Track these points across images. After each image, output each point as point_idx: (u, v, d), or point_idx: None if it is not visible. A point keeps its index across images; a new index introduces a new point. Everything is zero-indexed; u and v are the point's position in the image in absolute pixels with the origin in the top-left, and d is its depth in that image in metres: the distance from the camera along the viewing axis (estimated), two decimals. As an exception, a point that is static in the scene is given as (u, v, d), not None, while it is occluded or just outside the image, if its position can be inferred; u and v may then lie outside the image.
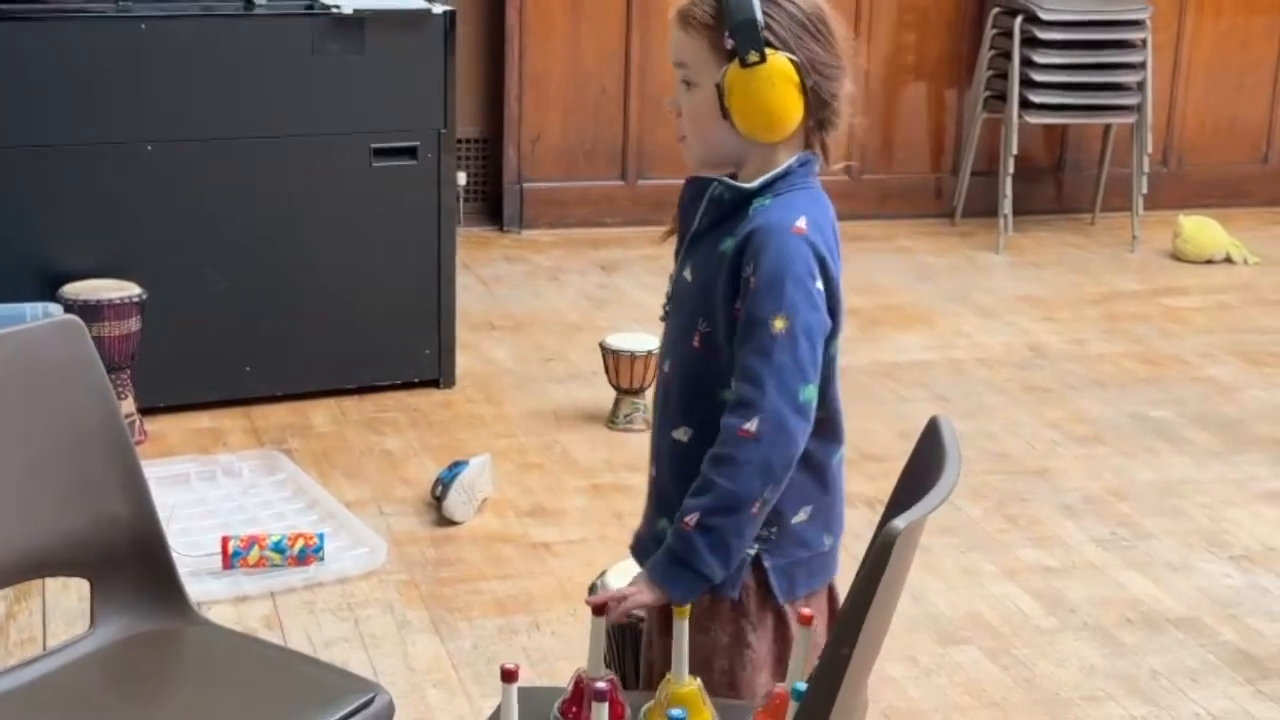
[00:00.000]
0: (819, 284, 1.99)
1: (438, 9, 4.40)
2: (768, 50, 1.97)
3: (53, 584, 3.28)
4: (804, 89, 2.00)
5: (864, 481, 4.00)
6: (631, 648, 2.67)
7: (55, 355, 2.20)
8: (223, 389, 4.37)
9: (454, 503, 3.74)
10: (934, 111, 6.64)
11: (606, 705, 1.82)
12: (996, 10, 6.31)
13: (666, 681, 2.01)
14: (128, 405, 4.07)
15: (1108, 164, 6.65)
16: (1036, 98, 6.16)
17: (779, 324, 1.95)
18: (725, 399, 2.00)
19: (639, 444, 4.25)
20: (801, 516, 2.09)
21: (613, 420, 4.37)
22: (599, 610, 1.94)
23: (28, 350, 2.18)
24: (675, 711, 1.76)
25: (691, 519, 1.98)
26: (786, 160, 2.04)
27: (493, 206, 6.35)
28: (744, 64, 1.97)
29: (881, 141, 6.59)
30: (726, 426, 1.97)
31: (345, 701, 2.06)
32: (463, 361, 4.69)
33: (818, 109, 2.03)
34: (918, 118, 6.62)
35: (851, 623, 1.68)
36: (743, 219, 2.01)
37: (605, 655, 2.54)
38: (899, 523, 1.67)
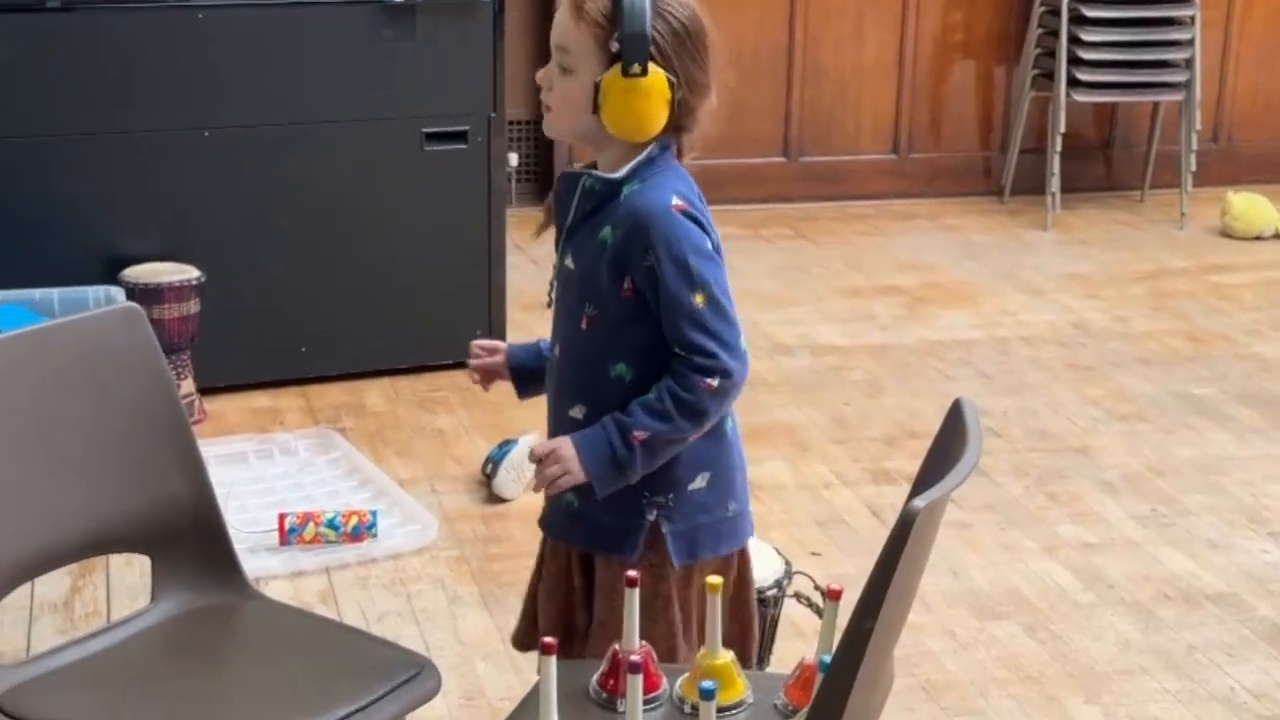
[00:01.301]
0: (708, 244, 2.16)
1: (491, -4, 4.48)
2: (649, 64, 2.09)
3: (116, 560, 3.39)
4: (671, 102, 2.12)
5: (907, 459, 4.07)
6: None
7: (117, 341, 2.30)
8: (279, 369, 4.48)
9: (504, 480, 3.83)
10: (982, 90, 6.66)
11: (641, 677, 1.89)
12: (1044, -12, 6.33)
13: (701, 654, 2.09)
14: (187, 385, 4.18)
15: (1157, 141, 6.66)
16: (1084, 76, 6.18)
17: (699, 298, 2.11)
18: (616, 374, 2.17)
19: (685, 422, 4.32)
20: (700, 484, 2.22)
21: (660, 399, 4.44)
22: (632, 583, 2.02)
23: (91, 337, 2.28)
24: (706, 684, 1.83)
25: (641, 435, 2.13)
26: (645, 148, 2.16)
27: (543, 187, 6.42)
28: (626, 74, 2.09)
29: (929, 120, 6.62)
30: (694, 379, 2.12)
31: (395, 674, 2.14)
32: (515, 341, 4.76)
33: (680, 118, 2.15)
34: (966, 96, 6.65)
35: (874, 598, 1.75)
36: (615, 206, 2.15)
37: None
38: (919, 502, 1.74)
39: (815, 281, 5.61)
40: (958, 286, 5.59)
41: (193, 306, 4.18)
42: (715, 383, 2.12)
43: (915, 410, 4.43)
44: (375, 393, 4.48)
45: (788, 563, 2.88)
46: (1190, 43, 6.23)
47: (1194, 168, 6.37)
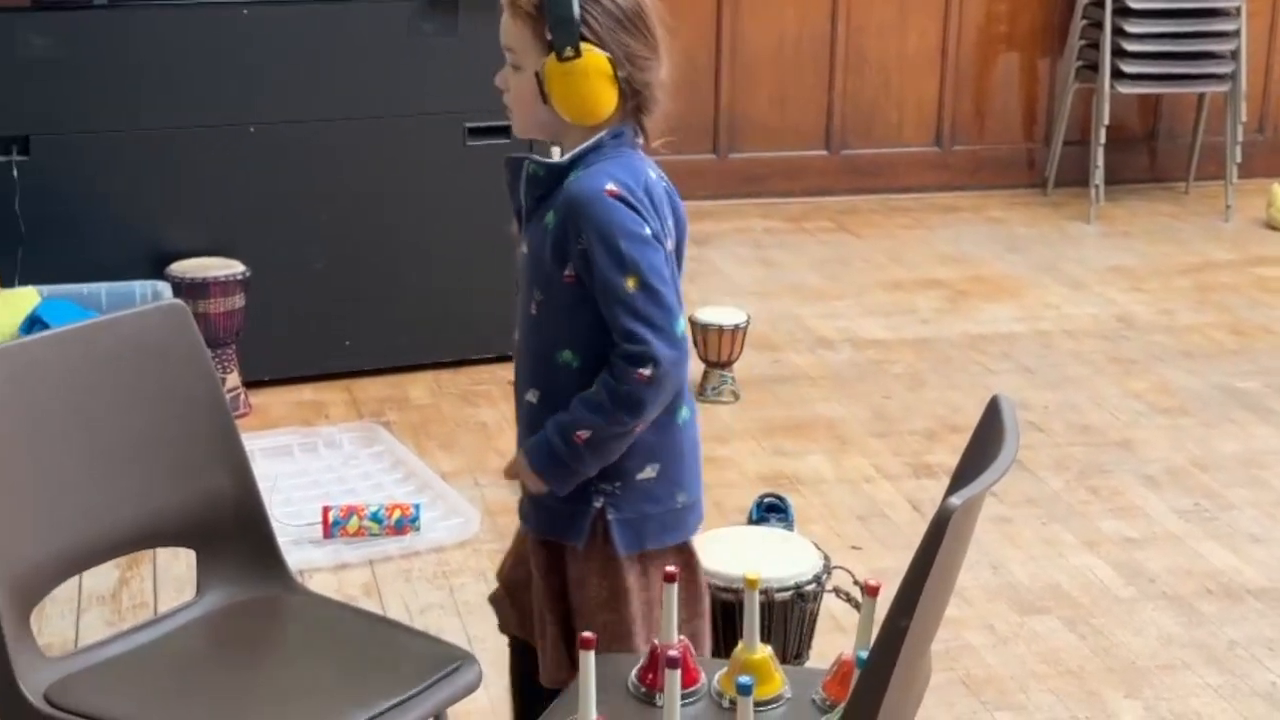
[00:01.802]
0: (647, 229, 2.14)
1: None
2: (584, 45, 2.12)
3: (163, 552, 3.43)
4: (617, 80, 2.13)
5: (949, 454, 4.07)
6: (713, 615, 2.77)
7: (163, 338, 2.33)
8: (324, 363, 4.51)
9: (545, 474, 3.85)
10: (1026, 81, 6.64)
11: (679, 672, 1.91)
12: (1089, -21, 6.31)
13: (739, 649, 2.10)
14: (233, 379, 4.22)
15: (1202, 132, 6.62)
16: (1129, 67, 6.15)
17: (631, 283, 2.12)
18: (562, 361, 2.20)
19: (727, 416, 4.34)
20: (648, 474, 2.24)
21: (701, 392, 4.46)
22: (670, 578, 2.03)
23: (137, 334, 2.31)
24: (743, 679, 1.85)
25: (584, 434, 2.15)
26: (592, 134, 2.17)
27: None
28: (560, 58, 2.12)
29: (973, 112, 6.61)
30: (626, 370, 2.13)
31: (437, 667, 2.17)
32: (556, 335, 4.79)
33: (632, 96, 2.16)
34: (1009, 88, 6.63)
35: (910, 595, 1.76)
36: (559, 190, 2.17)
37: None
38: (955, 500, 1.75)
39: (857, 275, 5.61)
40: (1000, 279, 5.58)
41: (238, 301, 4.22)
42: (648, 372, 2.12)
43: (957, 404, 4.43)
44: (418, 386, 4.51)
45: (826, 558, 2.89)
46: (1236, 33, 6.20)
47: (1239, 159, 6.34)
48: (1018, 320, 5.16)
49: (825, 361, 4.78)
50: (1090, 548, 3.65)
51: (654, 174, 2.21)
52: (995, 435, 1.96)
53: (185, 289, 4.11)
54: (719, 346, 4.42)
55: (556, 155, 2.24)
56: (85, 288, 4.03)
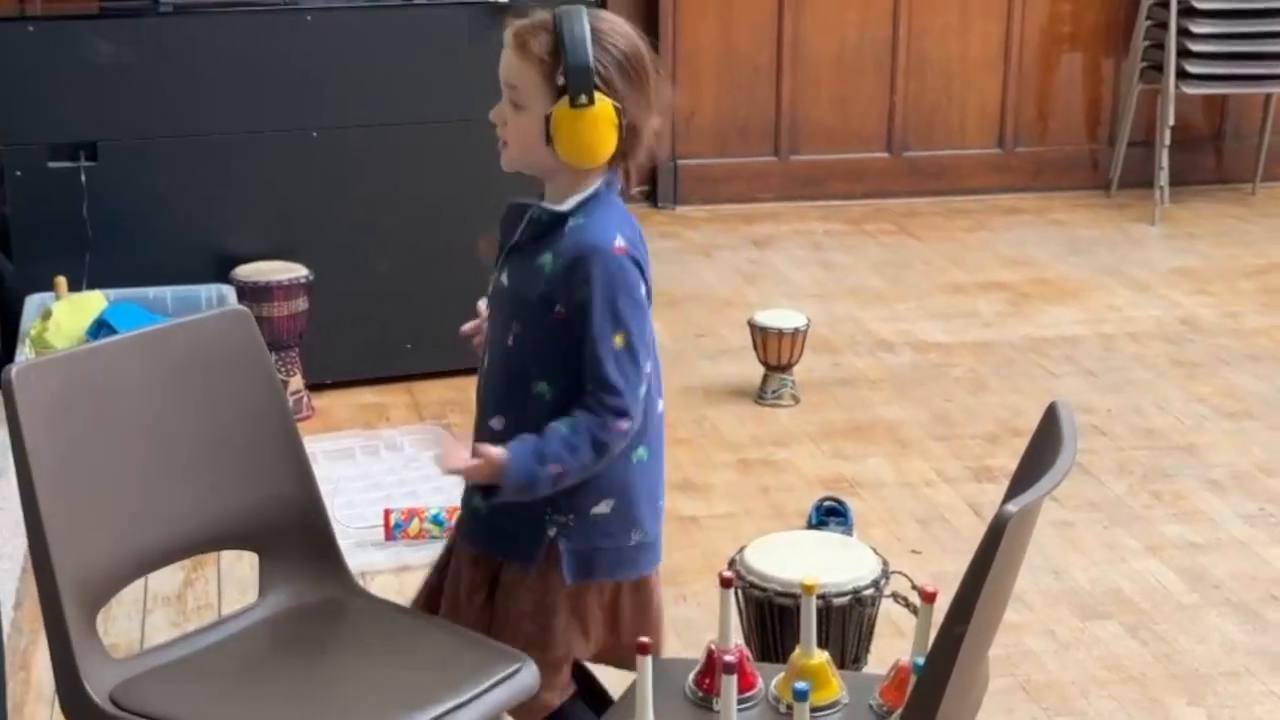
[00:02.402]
0: (642, 289, 2.24)
1: (589, -5, 4.51)
2: (595, 93, 2.18)
3: (227, 554, 3.46)
4: (620, 127, 2.21)
5: (1010, 457, 4.04)
6: (771, 620, 2.78)
7: (226, 343, 2.36)
8: (386, 366, 4.55)
9: (605, 477, 3.86)
10: (1089, 82, 6.59)
11: (736, 677, 1.92)
12: (1153, -21, 6.27)
13: (795, 654, 2.11)
14: (296, 382, 4.26)
15: (1268, 133, 6.56)
16: (1194, 68, 6.10)
17: (619, 340, 2.20)
18: (537, 392, 2.26)
19: (787, 419, 4.34)
20: (602, 509, 2.29)
21: (761, 396, 4.46)
22: (726, 583, 2.04)
23: (202, 339, 2.34)
24: (800, 684, 1.86)
25: (557, 470, 2.20)
26: (593, 180, 2.25)
27: (647, 183, 6.46)
28: (574, 105, 2.18)
29: (1035, 113, 6.57)
30: (610, 420, 2.20)
31: (492, 671, 2.18)
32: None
33: (626, 143, 2.24)
34: (1073, 89, 6.59)
35: (966, 601, 1.77)
36: (559, 236, 2.24)
37: (744, 628, 2.66)
38: (1011, 507, 1.75)
39: (918, 277, 5.60)
40: (1063, 282, 5.54)
41: (301, 304, 4.25)
42: (625, 425, 2.20)
43: (1018, 407, 4.41)
44: (479, 389, 4.53)
45: (885, 563, 2.89)
46: (1303, 33, 6.14)
47: (1307, 160, 6.28)
48: (1080, 323, 5.13)
49: (886, 364, 4.77)
50: (1153, 553, 3.62)
51: (638, 224, 2.30)
52: (1053, 441, 1.96)
53: (249, 292, 4.15)
54: (778, 350, 4.41)
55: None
56: (151, 291, 4.09)
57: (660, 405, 2.33)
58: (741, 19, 6.28)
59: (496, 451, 2.20)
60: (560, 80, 2.18)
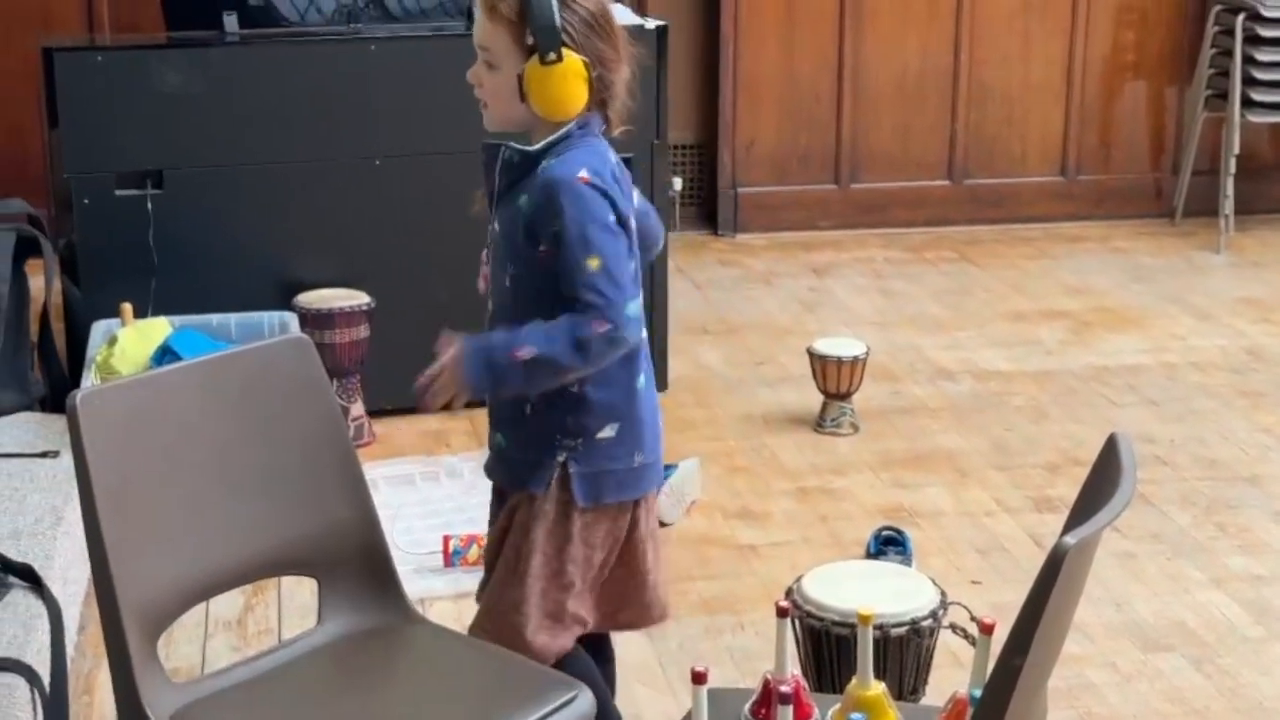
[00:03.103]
0: (612, 216, 2.34)
1: (650, 24, 4.53)
2: (563, 50, 2.32)
3: (287, 579, 3.49)
4: (589, 80, 2.35)
5: (1071, 487, 3.98)
6: (828, 650, 2.77)
7: (288, 371, 2.38)
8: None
9: (663, 505, 3.85)
10: (1153, 110, 6.55)
11: (791, 708, 1.92)
12: (1218, 8, 6.22)
13: (852, 685, 2.10)
14: (357, 408, 4.29)
15: (1336, 161, 6.50)
16: (1260, 96, 6.06)
17: (594, 263, 2.32)
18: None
19: (846, 448, 4.33)
20: (608, 433, 2.44)
21: (820, 424, 4.45)
22: (783, 613, 2.04)
23: (263, 367, 2.36)
24: (856, 716, 1.85)
25: (524, 353, 2.31)
26: (562, 124, 2.38)
27: (707, 211, 6.47)
28: (543, 62, 2.32)
29: (1098, 141, 6.54)
30: (589, 317, 2.31)
31: (549, 699, 2.18)
32: (675, 365, 4.81)
33: (600, 93, 2.38)
34: (1136, 117, 6.55)
35: (1024, 634, 1.76)
36: (533, 177, 2.37)
37: (800, 658, 2.65)
38: (1069, 539, 1.74)
39: (979, 305, 5.57)
40: (1125, 310, 5.51)
41: (362, 331, 4.28)
42: (605, 328, 2.30)
43: (1080, 437, 4.38)
44: (539, 416, 4.54)
45: (943, 593, 2.88)
46: (1370, 60, 6.08)
47: (1374, 188, 6.21)
48: (1143, 352, 5.09)
49: (946, 393, 4.75)
50: (1217, 584, 3.58)
51: (614, 158, 2.41)
52: (1113, 473, 1.94)
53: (311, 319, 4.18)
54: (837, 378, 4.40)
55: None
56: (215, 318, 4.13)
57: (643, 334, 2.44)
58: (802, 46, 6.29)
59: (451, 351, 2.33)
60: (529, 40, 2.32)
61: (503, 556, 2.49)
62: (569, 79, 2.33)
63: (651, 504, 2.53)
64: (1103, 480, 1.97)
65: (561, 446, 2.42)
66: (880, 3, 6.27)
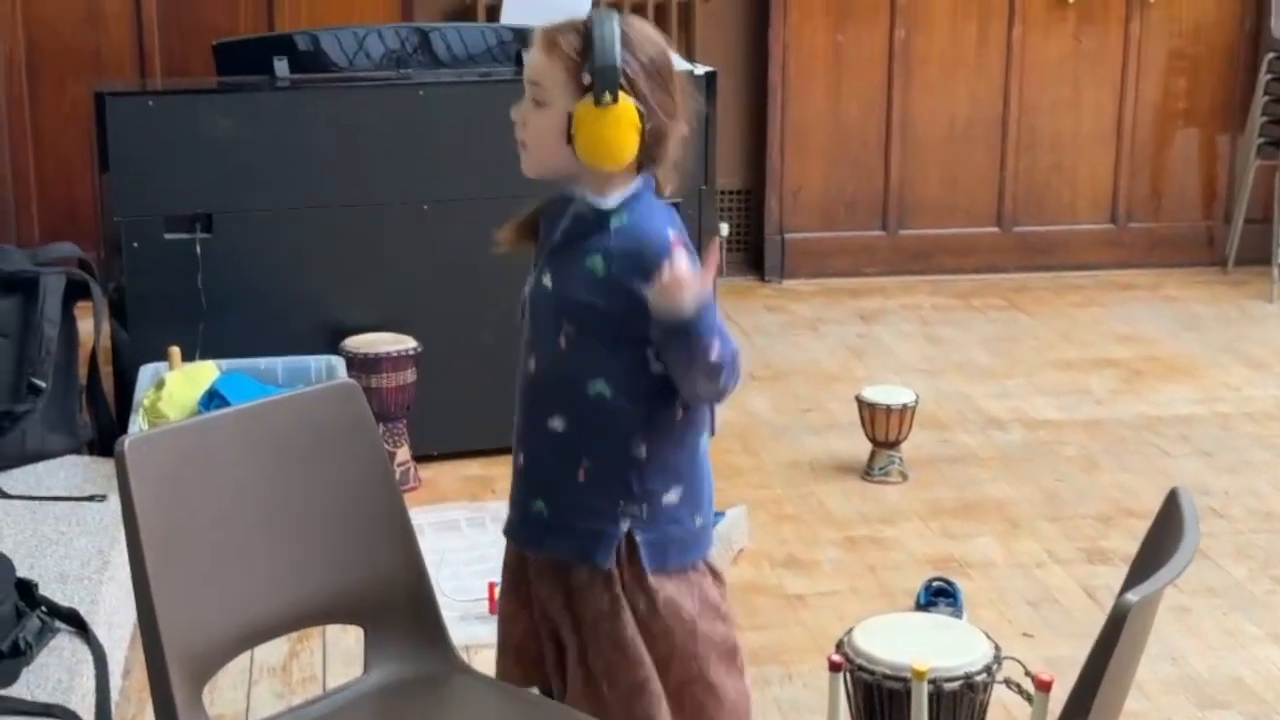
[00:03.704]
0: None
1: (699, 71, 4.52)
2: (619, 93, 2.20)
3: (332, 626, 3.47)
4: (642, 131, 2.22)
5: (1124, 539, 3.97)
6: (880, 704, 2.73)
7: (335, 417, 2.36)
8: (492, 438, 4.52)
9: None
10: (1205, 158, 6.51)
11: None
12: (1271, 55, 6.17)
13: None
14: (403, 454, 4.27)
15: (1390, 209, 6.42)
16: (1313, 143, 6.01)
17: None
18: (594, 393, 2.27)
19: (895, 497, 4.29)
20: (672, 497, 2.33)
21: (868, 472, 4.41)
22: (835, 667, 2.01)
23: (310, 412, 2.35)
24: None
25: (716, 342, 2.18)
26: (626, 181, 2.27)
27: (754, 257, 6.45)
28: (598, 102, 2.19)
29: (1149, 189, 6.49)
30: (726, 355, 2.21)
31: (597, 750, 2.16)
32: (723, 412, 4.77)
33: (651, 147, 2.25)
34: (1188, 165, 6.50)
35: (1084, 694, 1.72)
36: (604, 235, 2.26)
37: (852, 711, 2.61)
38: (1132, 596, 1.70)
39: (1028, 353, 5.52)
40: (1177, 359, 5.45)
41: (409, 376, 4.27)
42: (739, 355, 2.23)
43: (1132, 488, 4.32)
44: (585, 462, 4.51)
45: (997, 647, 2.83)
46: None
47: None
48: (1196, 402, 5.03)
49: (995, 442, 4.70)
50: (1275, 640, 3.52)
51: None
52: (1174, 529, 1.91)
53: (358, 364, 4.18)
54: (886, 426, 4.36)
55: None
56: (262, 362, 4.12)
57: None
58: (850, 93, 6.28)
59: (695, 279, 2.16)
60: (586, 79, 2.20)
61: (589, 653, 2.33)
62: (621, 125, 2.20)
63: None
64: (1164, 535, 1.93)
65: (625, 514, 2.29)
66: (929, 49, 6.26)
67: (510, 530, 2.44)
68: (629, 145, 2.22)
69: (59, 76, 5.75)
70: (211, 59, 4.81)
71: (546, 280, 2.33)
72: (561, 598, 2.35)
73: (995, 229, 6.44)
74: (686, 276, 2.13)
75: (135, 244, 4.19)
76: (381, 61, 4.62)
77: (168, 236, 4.20)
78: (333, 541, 2.32)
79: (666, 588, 2.33)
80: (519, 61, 4.64)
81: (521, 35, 4.73)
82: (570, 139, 2.23)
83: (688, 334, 2.16)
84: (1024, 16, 6.26)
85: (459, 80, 4.50)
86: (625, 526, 2.30)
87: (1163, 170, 6.49)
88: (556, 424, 2.31)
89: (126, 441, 2.12)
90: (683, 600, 2.34)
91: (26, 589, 3.00)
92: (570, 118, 2.22)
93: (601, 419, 2.27)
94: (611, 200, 2.27)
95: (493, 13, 5.91)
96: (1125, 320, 5.88)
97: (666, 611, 2.33)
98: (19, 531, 3.44)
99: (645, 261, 2.21)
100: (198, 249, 4.20)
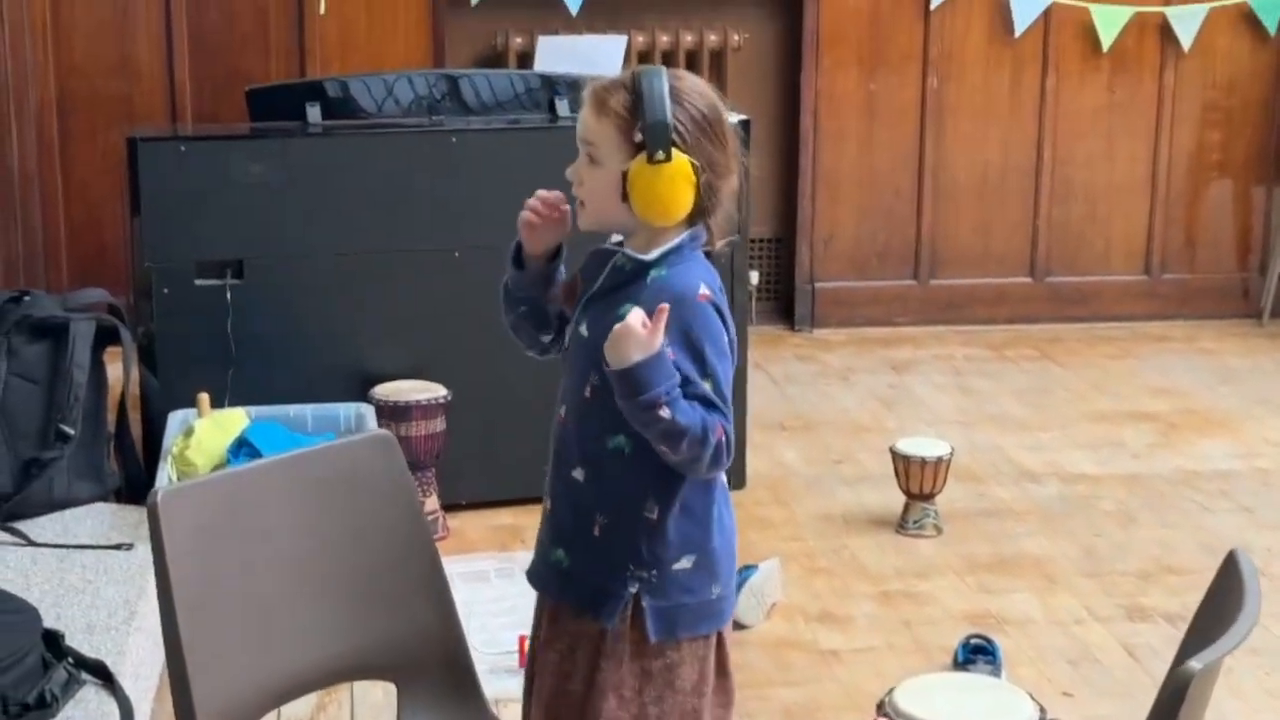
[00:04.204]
0: (725, 339, 2.25)
1: (732, 119, 4.49)
2: (672, 150, 2.19)
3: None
4: (697, 185, 2.21)
5: (1164, 596, 3.91)
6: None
7: (371, 469, 2.33)
8: (521, 487, 4.49)
9: (744, 607, 3.77)
10: (1239, 210, 6.46)
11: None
12: (1305, 106, 6.15)
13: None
14: (431, 503, 4.23)
15: None
16: (1349, 195, 5.96)
17: (707, 385, 2.21)
18: (613, 446, 2.25)
19: (930, 551, 4.23)
20: (684, 564, 2.28)
21: (902, 525, 4.35)
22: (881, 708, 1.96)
23: (346, 465, 2.31)
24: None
25: (665, 409, 2.14)
26: (675, 235, 2.26)
27: (785, 305, 6.41)
28: (651, 160, 2.18)
29: (1183, 240, 6.44)
30: (715, 417, 2.18)
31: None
32: (753, 462, 4.73)
33: (704, 200, 2.24)
34: (1222, 216, 6.45)
35: (1145, 764, 1.66)
36: (640, 286, 2.25)
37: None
38: (1195, 664, 1.65)
39: (1062, 405, 5.47)
40: (1213, 413, 5.38)
41: (439, 425, 4.24)
42: (723, 435, 2.18)
43: (1171, 544, 4.26)
44: (615, 513, 4.47)
45: (1042, 709, 2.77)
46: None
47: None
48: (1235, 456, 4.96)
49: (1031, 495, 4.64)
50: (1319, 702, 3.46)
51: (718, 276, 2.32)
52: (1234, 593, 1.85)
53: (388, 412, 4.14)
54: (921, 478, 4.31)
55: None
56: (292, 410, 4.09)
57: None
58: (882, 141, 6.25)
59: (642, 332, 2.13)
60: (638, 137, 2.20)
61: (566, 695, 2.32)
62: (676, 181, 2.19)
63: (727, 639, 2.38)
64: (1223, 599, 1.88)
65: (634, 577, 2.26)
66: (961, 98, 6.23)
67: (533, 572, 2.43)
68: (684, 200, 2.22)
69: (90, 123, 5.76)
70: (241, 106, 4.81)
71: (583, 328, 2.31)
72: (567, 643, 2.34)
73: (1028, 279, 6.39)
74: (636, 329, 2.12)
75: (166, 289, 4.17)
76: (410, 107, 4.61)
77: (198, 282, 4.18)
78: (367, 596, 2.28)
79: (669, 656, 2.29)
80: (551, 109, 4.63)
81: (549, 82, 4.72)
82: (625, 196, 2.22)
83: (628, 386, 2.14)
84: (1058, 67, 6.23)
85: (492, 128, 4.48)
86: (634, 589, 2.27)
87: (1197, 221, 6.44)
88: (578, 474, 2.30)
89: (160, 494, 2.09)
90: (684, 672, 2.30)
91: (53, 640, 2.97)
92: (625, 176, 2.22)
93: (617, 474, 2.26)
94: (653, 253, 2.26)
95: (523, 61, 5.91)
96: (1160, 372, 5.82)
97: (663, 680, 2.29)
98: (46, 580, 3.40)
99: (673, 317, 2.18)
100: (228, 295, 4.18)
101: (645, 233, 2.26)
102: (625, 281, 2.27)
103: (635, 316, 2.14)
